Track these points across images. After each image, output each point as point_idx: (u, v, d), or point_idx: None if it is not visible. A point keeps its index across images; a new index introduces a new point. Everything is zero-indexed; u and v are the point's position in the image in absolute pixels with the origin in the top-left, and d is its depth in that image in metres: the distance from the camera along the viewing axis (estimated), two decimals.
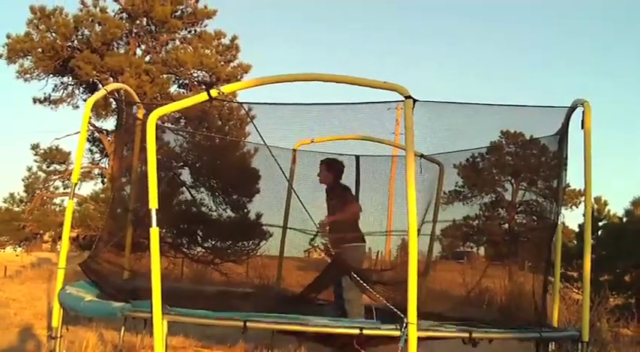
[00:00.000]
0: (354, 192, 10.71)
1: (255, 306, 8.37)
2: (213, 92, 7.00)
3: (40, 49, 25.86)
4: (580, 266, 8.15)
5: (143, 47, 27.94)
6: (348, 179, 10.44)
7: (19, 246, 32.26)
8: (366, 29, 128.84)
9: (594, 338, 11.08)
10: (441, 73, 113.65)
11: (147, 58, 27.49)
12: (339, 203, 9.38)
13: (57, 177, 29.65)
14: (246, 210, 14.65)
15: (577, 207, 31.42)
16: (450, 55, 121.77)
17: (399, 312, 6.52)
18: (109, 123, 28.13)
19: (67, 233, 8.39)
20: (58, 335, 7.82)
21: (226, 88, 7.25)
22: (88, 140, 28.56)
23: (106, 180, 28.29)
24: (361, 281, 8.14)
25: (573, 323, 10.05)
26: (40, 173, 29.69)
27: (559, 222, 8.73)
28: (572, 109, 8.09)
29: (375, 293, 7.75)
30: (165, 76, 26.70)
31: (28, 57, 26.30)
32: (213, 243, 14.25)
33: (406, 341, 6.21)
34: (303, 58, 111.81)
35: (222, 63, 27.40)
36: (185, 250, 13.55)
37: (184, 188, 14.48)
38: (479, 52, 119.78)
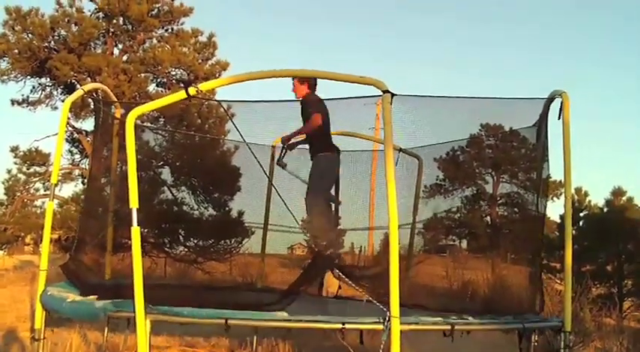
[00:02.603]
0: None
1: (238, 303, 8.34)
2: (192, 90, 6.99)
3: (16, 51, 25.63)
4: (562, 257, 8.18)
5: (120, 46, 27.75)
6: None
7: (1, 249, 32.15)
8: (344, 24, 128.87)
9: (577, 328, 11.15)
10: (420, 68, 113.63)
11: (124, 58, 27.32)
12: (308, 115, 8.95)
13: (37, 179, 29.53)
14: (227, 208, 14.64)
15: (558, 198, 31.39)
16: (428, 49, 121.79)
17: (381, 306, 6.54)
18: (89, 124, 28.03)
19: (47, 235, 8.36)
20: (42, 337, 7.81)
21: (204, 86, 7.24)
22: (68, 141, 28.44)
23: (86, 180, 28.21)
24: (344, 278, 8.16)
25: (556, 314, 10.08)
26: (20, 175, 29.60)
27: (544, 214, 8.79)
28: (550, 100, 8.13)
29: (359, 287, 7.77)
30: (143, 75, 26.54)
31: (5, 58, 26.09)
32: (195, 241, 14.23)
33: (389, 334, 6.23)
34: (282, 54, 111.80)
35: (200, 61, 27.27)
36: (167, 249, 13.53)
37: (165, 187, 14.46)
38: (458, 46, 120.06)
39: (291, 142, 9.33)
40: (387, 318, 6.27)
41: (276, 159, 9.74)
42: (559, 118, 7.82)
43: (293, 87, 9.20)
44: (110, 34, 27.02)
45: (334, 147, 9.29)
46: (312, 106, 8.79)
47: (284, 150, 9.50)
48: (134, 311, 6.46)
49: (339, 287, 10.12)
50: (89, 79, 25.08)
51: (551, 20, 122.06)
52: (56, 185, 8.50)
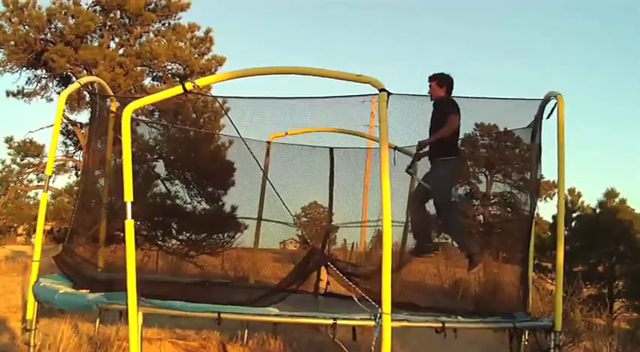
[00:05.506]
0: (327, 185, 10.76)
1: (231, 298, 8.35)
2: (189, 85, 6.99)
3: (12, 42, 25.61)
4: (554, 257, 8.22)
5: (117, 40, 27.75)
6: (322, 171, 10.44)
7: None
8: (342, 24, 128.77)
9: (567, 328, 11.20)
10: (416, 69, 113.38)
11: (121, 51, 27.31)
12: (444, 116, 8.68)
13: (31, 170, 29.56)
14: (221, 203, 14.65)
15: (551, 199, 31.63)
16: (423, 51, 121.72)
17: (373, 303, 6.57)
18: (83, 116, 28.06)
19: (41, 226, 8.36)
20: (33, 328, 7.81)
21: (201, 81, 7.25)
22: (62, 133, 28.45)
23: (79, 172, 28.22)
24: (339, 273, 8.19)
25: (547, 314, 10.12)
26: (14, 166, 29.63)
27: (535, 214, 8.81)
28: (545, 102, 8.17)
29: (352, 284, 7.80)
30: (139, 68, 26.55)
31: (1, 50, 26.07)
32: (188, 235, 14.23)
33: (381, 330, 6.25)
34: (278, 51, 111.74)
35: (196, 55, 27.29)
36: (160, 242, 13.53)
37: (159, 180, 14.46)
38: (452, 49, 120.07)
39: (421, 152, 9.14)
40: (379, 315, 6.29)
41: (406, 167, 9.35)
42: (548, 118, 7.89)
43: (430, 88, 8.98)
44: (107, 27, 27.03)
45: (459, 150, 9.11)
46: (448, 107, 8.64)
47: (416, 158, 9.28)
48: (126, 304, 6.47)
49: (328, 283, 10.14)
50: (85, 71, 25.09)
51: (546, 24, 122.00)
52: (51, 176, 8.49)
